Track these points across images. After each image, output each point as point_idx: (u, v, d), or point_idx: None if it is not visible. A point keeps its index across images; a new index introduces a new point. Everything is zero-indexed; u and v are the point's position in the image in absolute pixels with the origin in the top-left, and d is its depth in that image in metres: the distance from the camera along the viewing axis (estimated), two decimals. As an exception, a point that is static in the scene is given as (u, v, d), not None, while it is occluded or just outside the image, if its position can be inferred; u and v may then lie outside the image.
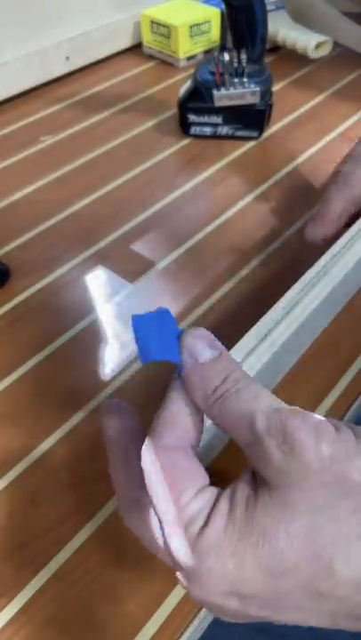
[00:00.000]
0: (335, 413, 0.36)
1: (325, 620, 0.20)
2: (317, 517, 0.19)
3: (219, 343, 0.24)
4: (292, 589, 0.19)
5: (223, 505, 0.21)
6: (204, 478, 0.22)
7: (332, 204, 0.40)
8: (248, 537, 0.20)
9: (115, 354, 0.40)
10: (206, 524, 0.20)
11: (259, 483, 0.21)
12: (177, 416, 0.23)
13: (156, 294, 0.45)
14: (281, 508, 0.20)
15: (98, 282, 0.46)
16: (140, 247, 0.49)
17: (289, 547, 0.19)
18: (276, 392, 0.37)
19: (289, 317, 0.31)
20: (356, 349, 0.40)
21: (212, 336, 0.24)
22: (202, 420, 0.23)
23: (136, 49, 0.79)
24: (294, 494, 0.20)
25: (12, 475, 0.34)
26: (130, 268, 0.47)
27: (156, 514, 0.22)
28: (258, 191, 0.54)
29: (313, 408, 0.36)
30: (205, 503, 0.21)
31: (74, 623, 0.28)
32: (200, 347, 0.23)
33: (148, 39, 0.76)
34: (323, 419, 0.21)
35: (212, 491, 0.22)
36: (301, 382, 0.38)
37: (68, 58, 0.71)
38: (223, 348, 0.23)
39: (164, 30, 0.73)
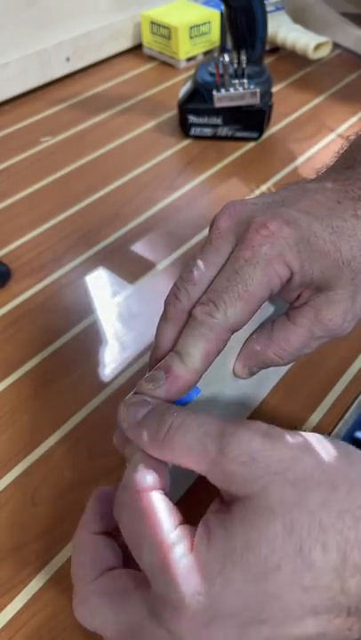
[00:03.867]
0: (335, 413, 0.36)
1: (310, 624, 0.20)
2: (291, 514, 0.20)
3: (149, 399, 0.25)
4: (278, 590, 0.19)
5: (201, 534, 0.21)
6: (178, 517, 0.23)
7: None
8: (232, 554, 0.20)
9: (115, 354, 0.40)
10: (189, 550, 0.21)
11: (230, 502, 0.22)
12: (145, 463, 0.24)
13: (156, 295, 0.45)
14: (258, 513, 0.20)
15: (98, 282, 0.46)
16: (140, 248, 0.49)
17: (271, 550, 0.20)
18: (275, 392, 0.37)
19: None
20: (356, 350, 0.40)
21: (143, 398, 0.25)
22: (166, 467, 0.24)
23: (136, 50, 0.79)
24: (267, 498, 0.20)
25: (12, 475, 0.34)
26: (130, 268, 0.47)
27: (135, 552, 0.22)
28: (258, 192, 0.54)
29: (312, 408, 0.36)
30: (185, 533, 0.21)
31: (74, 624, 0.28)
32: (132, 410, 0.25)
33: (148, 40, 0.76)
34: (268, 425, 0.22)
35: (188, 526, 0.22)
36: (301, 382, 0.38)
37: (68, 59, 0.71)
38: (155, 401, 0.25)
39: (164, 31, 0.73)
